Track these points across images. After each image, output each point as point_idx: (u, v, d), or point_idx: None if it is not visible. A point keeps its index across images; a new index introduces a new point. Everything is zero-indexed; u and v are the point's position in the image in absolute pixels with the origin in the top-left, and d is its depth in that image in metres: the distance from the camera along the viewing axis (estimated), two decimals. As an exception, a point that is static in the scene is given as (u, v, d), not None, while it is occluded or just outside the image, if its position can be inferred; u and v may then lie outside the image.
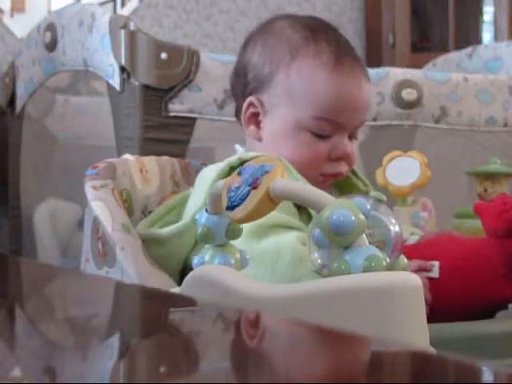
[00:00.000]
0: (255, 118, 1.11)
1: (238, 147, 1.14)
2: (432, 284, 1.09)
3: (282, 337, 0.52)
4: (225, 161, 1.06)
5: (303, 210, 1.02)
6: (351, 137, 1.10)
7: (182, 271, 1.05)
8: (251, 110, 1.11)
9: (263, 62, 1.09)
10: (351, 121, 1.07)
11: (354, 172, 1.17)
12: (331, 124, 1.06)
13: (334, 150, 1.07)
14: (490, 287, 1.10)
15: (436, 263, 1.10)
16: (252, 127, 1.11)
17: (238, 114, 1.15)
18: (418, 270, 1.08)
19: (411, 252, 1.09)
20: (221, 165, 1.05)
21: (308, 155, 1.07)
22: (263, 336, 0.53)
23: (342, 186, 1.17)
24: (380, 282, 0.74)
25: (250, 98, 1.10)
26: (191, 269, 1.01)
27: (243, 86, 1.12)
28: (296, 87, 1.06)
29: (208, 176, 1.05)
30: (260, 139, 1.11)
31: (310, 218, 1.02)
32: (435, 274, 1.10)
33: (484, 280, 1.10)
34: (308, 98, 1.06)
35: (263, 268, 0.90)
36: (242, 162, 1.02)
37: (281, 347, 0.49)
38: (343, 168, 1.09)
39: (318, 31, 1.10)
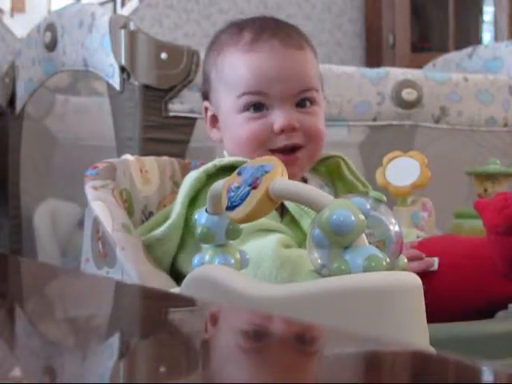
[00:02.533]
0: (214, 120, 1.14)
1: (226, 153, 1.14)
2: (432, 282, 1.09)
3: (283, 337, 0.52)
4: (201, 167, 1.06)
5: (286, 212, 1.02)
6: (301, 105, 1.08)
7: (171, 276, 1.05)
8: (208, 113, 1.15)
9: (204, 68, 1.16)
10: (280, 88, 1.07)
11: (352, 173, 1.17)
12: (260, 96, 1.07)
13: (274, 123, 1.07)
14: (490, 286, 1.10)
15: (435, 259, 1.10)
16: (214, 130, 1.15)
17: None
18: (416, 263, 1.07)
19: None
20: (198, 171, 1.06)
21: (250, 131, 1.07)
22: (263, 336, 0.53)
23: (340, 186, 1.17)
24: (380, 281, 0.74)
25: (204, 103, 1.16)
26: (179, 273, 1.02)
27: (202, 92, 1.18)
28: (223, 76, 1.10)
29: (186, 183, 1.06)
30: (221, 139, 1.14)
31: (293, 220, 1.02)
32: (434, 267, 1.10)
33: (484, 279, 1.10)
34: (232, 81, 1.09)
35: (247, 274, 0.90)
36: (218, 169, 1.03)
37: (281, 347, 0.49)
38: (297, 140, 1.07)
39: (245, 25, 1.13)
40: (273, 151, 1.07)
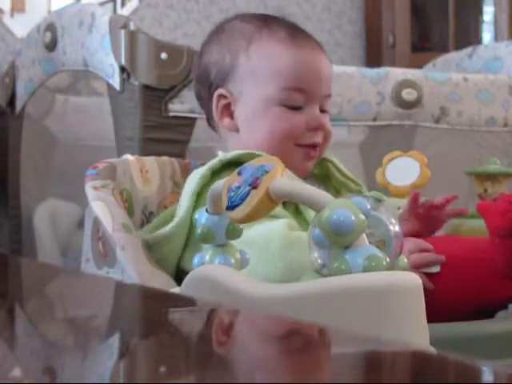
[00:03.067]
0: (228, 110, 1.12)
1: (220, 153, 1.13)
2: (433, 283, 1.09)
3: (282, 337, 0.52)
4: (206, 165, 1.05)
5: (289, 202, 1.02)
6: (322, 110, 1.11)
7: (177, 275, 1.05)
8: (222, 102, 1.12)
9: (223, 56, 1.12)
10: (317, 89, 1.09)
11: (343, 174, 1.17)
12: (300, 93, 1.08)
13: (310, 120, 1.09)
14: (490, 287, 1.10)
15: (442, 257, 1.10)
16: (227, 120, 1.12)
17: (209, 120, 1.16)
18: (419, 266, 1.07)
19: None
20: (203, 168, 1.05)
21: (285, 128, 1.08)
22: (263, 336, 0.53)
23: (331, 188, 1.16)
24: (380, 281, 0.74)
25: (219, 91, 1.12)
26: (185, 272, 1.01)
27: (208, 87, 1.13)
28: (258, 67, 1.09)
29: (192, 180, 1.05)
30: (237, 129, 1.12)
31: (297, 210, 1.03)
32: (436, 268, 1.10)
33: (485, 280, 1.10)
34: (271, 73, 1.08)
35: (252, 257, 0.90)
36: (224, 164, 1.03)
37: (281, 347, 0.49)
38: (319, 139, 1.10)
39: (268, 19, 1.13)
40: (299, 146, 1.09)
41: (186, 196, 1.04)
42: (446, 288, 1.10)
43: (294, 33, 1.11)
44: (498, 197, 1.15)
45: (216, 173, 1.04)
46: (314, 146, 1.10)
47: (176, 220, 1.03)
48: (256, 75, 1.09)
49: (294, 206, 1.03)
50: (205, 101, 1.15)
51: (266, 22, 1.12)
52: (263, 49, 1.09)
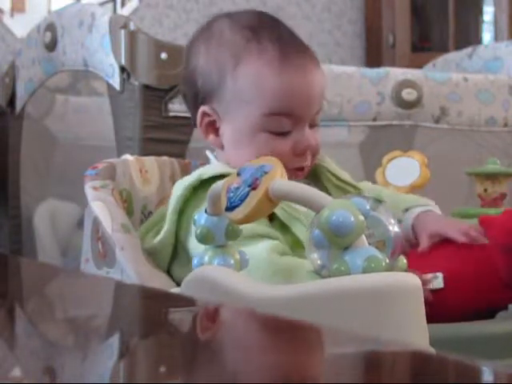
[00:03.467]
0: (213, 127, 1.08)
1: (208, 153, 1.12)
2: (435, 298, 1.08)
3: (282, 337, 0.52)
4: (186, 181, 1.03)
5: (275, 218, 1.00)
6: (312, 125, 1.07)
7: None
8: (206, 119, 1.08)
9: (209, 71, 1.07)
10: (307, 111, 1.05)
11: (341, 180, 1.13)
12: (287, 118, 1.04)
13: (297, 145, 1.05)
14: (493, 297, 1.10)
15: (440, 274, 1.10)
16: (211, 136, 1.09)
17: (195, 123, 1.12)
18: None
19: (413, 262, 1.09)
20: (184, 185, 1.03)
21: (273, 151, 1.01)
22: (263, 336, 0.53)
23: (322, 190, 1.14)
24: (380, 282, 0.74)
25: (203, 108, 1.08)
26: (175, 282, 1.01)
27: (194, 94, 1.09)
28: (245, 90, 1.04)
29: (173, 199, 1.03)
30: (222, 146, 1.08)
31: (282, 226, 1.00)
32: (439, 284, 1.10)
33: (487, 291, 1.10)
34: (258, 97, 1.04)
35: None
36: (201, 182, 1.01)
37: (281, 347, 0.49)
38: (306, 162, 1.07)
39: (258, 29, 1.07)
40: (286, 169, 1.05)
41: (169, 212, 1.03)
42: (448, 302, 1.10)
43: (285, 50, 1.05)
44: (501, 214, 1.16)
45: (197, 188, 1.03)
46: (301, 169, 1.07)
47: (160, 237, 1.03)
48: (242, 99, 1.04)
49: (279, 221, 1.00)
50: (190, 105, 1.12)
51: (257, 33, 1.06)
52: (250, 71, 1.04)
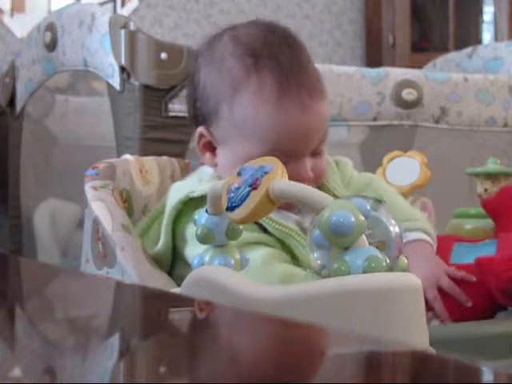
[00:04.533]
0: (210, 146, 1.07)
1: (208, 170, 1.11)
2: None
3: (282, 337, 0.52)
4: (176, 198, 1.03)
5: (269, 235, 0.99)
6: (315, 154, 1.05)
7: None
8: (203, 140, 1.07)
9: (208, 95, 1.05)
10: (304, 148, 1.03)
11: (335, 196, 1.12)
12: (284, 154, 0.99)
13: (294, 177, 0.97)
14: (487, 309, 1.11)
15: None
16: (208, 154, 1.08)
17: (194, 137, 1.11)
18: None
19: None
20: (176, 199, 1.03)
21: None
22: (263, 336, 0.53)
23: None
24: (380, 282, 0.74)
25: (200, 129, 1.07)
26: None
27: (193, 112, 1.08)
28: (241, 123, 1.02)
29: (166, 213, 1.04)
30: (216, 165, 1.07)
31: (277, 241, 0.99)
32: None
33: (481, 303, 1.11)
34: (254, 133, 1.01)
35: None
36: (190, 199, 1.01)
37: (281, 347, 0.49)
38: None
39: (260, 56, 1.03)
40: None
41: (163, 224, 1.03)
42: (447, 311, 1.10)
43: (284, 84, 1.01)
44: (498, 257, 1.15)
45: (187, 204, 1.02)
46: None
47: (158, 247, 1.04)
48: (238, 131, 1.02)
49: (274, 237, 0.99)
50: (191, 119, 1.11)
51: (257, 61, 1.02)
52: (247, 104, 1.01)
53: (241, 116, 1.02)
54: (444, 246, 1.19)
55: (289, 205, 1.01)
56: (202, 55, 1.09)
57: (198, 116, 1.07)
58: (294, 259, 0.98)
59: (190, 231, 1.00)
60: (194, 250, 0.96)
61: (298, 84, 1.02)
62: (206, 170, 1.09)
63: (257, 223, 0.97)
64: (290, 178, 0.99)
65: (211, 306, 0.64)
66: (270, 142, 1.01)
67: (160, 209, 1.09)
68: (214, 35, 1.09)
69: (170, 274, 1.06)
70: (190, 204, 1.01)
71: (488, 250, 1.20)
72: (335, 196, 1.10)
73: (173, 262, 1.06)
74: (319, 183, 1.07)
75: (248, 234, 0.94)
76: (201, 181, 1.06)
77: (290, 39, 1.07)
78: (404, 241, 1.11)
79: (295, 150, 1.02)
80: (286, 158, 0.98)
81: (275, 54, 1.03)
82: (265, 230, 0.99)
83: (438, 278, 1.11)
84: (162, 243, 1.04)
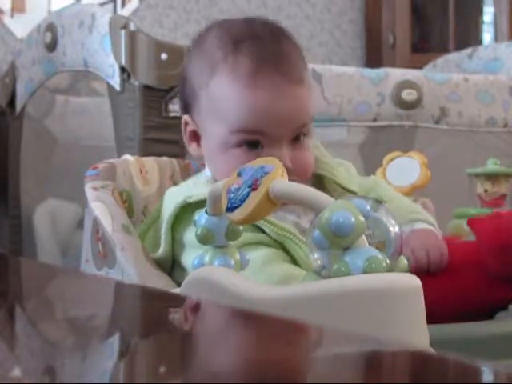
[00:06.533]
0: (195, 135, 1.07)
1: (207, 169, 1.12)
2: (428, 289, 1.09)
3: (282, 337, 0.52)
4: (173, 202, 1.02)
5: (267, 236, 0.99)
6: (295, 143, 1.03)
7: None
8: (188, 128, 1.07)
9: (191, 83, 1.06)
10: (276, 131, 1.00)
11: (341, 186, 1.11)
12: (256, 135, 1.00)
13: None
14: (487, 290, 1.10)
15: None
16: (193, 145, 1.08)
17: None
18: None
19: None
20: (173, 204, 1.02)
21: None
22: (263, 336, 0.53)
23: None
24: (380, 283, 0.74)
25: (185, 117, 1.08)
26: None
27: (182, 100, 1.09)
28: (216, 106, 1.02)
29: (164, 219, 1.04)
30: (202, 158, 1.08)
31: (275, 243, 1.00)
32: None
33: (481, 283, 1.10)
34: (226, 113, 1.01)
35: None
36: (188, 204, 1.01)
37: (281, 348, 0.49)
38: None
39: (242, 43, 1.03)
40: None
41: (162, 232, 1.03)
42: (444, 294, 1.10)
43: (259, 66, 1.00)
44: (489, 216, 1.15)
45: (185, 209, 1.02)
46: None
47: (158, 254, 1.03)
48: (214, 114, 1.03)
49: (271, 239, 0.99)
50: (180, 101, 1.11)
51: (238, 47, 1.02)
52: (222, 86, 1.02)
53: (215, 97, 1.02)
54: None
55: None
56: (191, 47, 1.09)
57: (184, 104, 1.08)
58: (292, 260, 0.98)
59: (188, 236, 1.00)
60: (191, 256, 0.95)
61: (273, 67, 1.01)
62: (201, 176, 1.10)
63: (254, 224, 0.97)
64: None
65: (211, 306, 0.64)
66: (239, 121, 1.00)
67: (155, 215, 1.09)
68: (204, 28, 1.10)
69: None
70: (187, 209, 1.01)
71: None
72: (343, 188, 1.10)
73: (171, 268, 1.06)
74: (304, 178, 1.03)
75: (247, 234, 0.95)
76: (196, 185, 1.06)
77: (276, 30, 1.07)
78: (410, 229, 1.12)
79: (266, 132, 1.00)
80: (261, 141, 1.00)
81: (256, 41, 1.03)
82: (262, 231, 0.99)
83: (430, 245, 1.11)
84: (162, 250, 1.03)
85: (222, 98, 1.02)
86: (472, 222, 1.14)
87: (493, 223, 1.10)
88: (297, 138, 1.03)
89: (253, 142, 1.00)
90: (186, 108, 1.08)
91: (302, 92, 1.03)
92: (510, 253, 1.08)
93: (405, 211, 1.14)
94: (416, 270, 1.07)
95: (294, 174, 0.99)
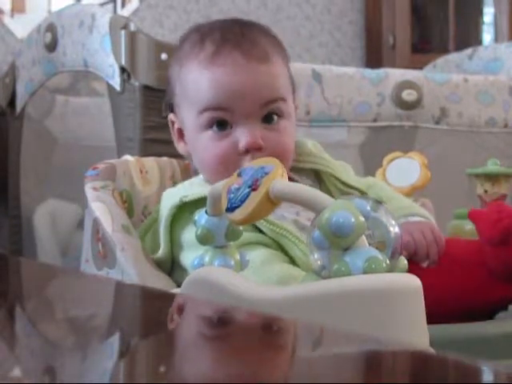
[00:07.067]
0: (181, 134, 1.10)
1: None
2: (424, 279, 1.08)
3: (283, 337, 0.52)
4: (170, 203, 1.03)
5: (264, 235, 1.00)
6: (267, 123, 1.02)
7: None
8: (175, 126, 1.10)
9: (168, 79, 1.10)
10: (243, 106, 1.00)
11: (341, 181, 1.11)
12: (222, 112, 1.01)
13: (239, 142, 1.01)
14: (487, 289, 1.10)
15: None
16: (181, 143, 1.10)
17: None
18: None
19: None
20: (169, 205, 1.03)
21: (214, 152, 1.01)
22: (263, 336, 0.53)
23: (325, 189, 1.12)
24: (380, 283, 0.74)
25: (170, 116, 1.11)
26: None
27: (166, 102, 1.13)
28: (187, 92, 1.05)
29: (161, 221, 1.04)
30: (189, 154, 1.09)
31: (272, 242, 1.00)
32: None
33: (481, 283, 1.10)
34: (194, 97, 1.03)
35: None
36: (184, 203, 1.01)
37: (281, 348, 0.49)
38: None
39: (211, 32, 1.05)
40: None
41: (161, 233, 1.04)
42: (443, 292, 1.10)
43: (220, 48, 1.02)
44: (489, 204, 1.15)
45: (182, 209, 1.02)
46: None
47: (158, 255, 1.04)
48: (186, 102, 1.05)
49: (269, 238, 0.99)
50: (166, 106, 1.15)
51: (202, 36, 1.05)
52: (189, 74, 1.04)
53: (184, 85, 1.05)
54: None
55: None
56: (175, 50, 1.12)
57: (169, 106, 1.11)
58: (290, 260, 0.98)
59: (186, 236, 1.00)
60: (190, 255, 0.96)
61: (234, 45, 1.03)
62: (197, 177, 1.10)
63: (252, 224, 0.97)
64: (235, 145, 1.01)
65: (211, 306, 0.64)
66: (203, 100, 1.02)
67: (154, 216, 1.09)
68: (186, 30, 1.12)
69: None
70: (184, 209, 1.01)
71: None
72: (342, 182, 1.10)
73: (171, 269, 1.06)
74: (281, 160, 0.94)
75: (247, 234, 0.95)
76: (192, 185, 1.07)
77: (248, 23, 1.08)
78: (406, 220, 1.12)
79: (232, 109, 1.01)
80: (231, 121, 1.01)
81: (222, 30, 1.05)
82: (260, 231, 0.99)
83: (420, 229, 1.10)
84: (161, 252, 1.03)
85: (189, 83, 1.05)
86: (472, 213, 1.14)
87: (493, 213, 1.10)
88: (269, 118, 1.03)
89: (221, 121, 1.02)
90: (171, 108, 1.11)
91: (266, 68, 1.03)
92: (510, 241, 1.08)
93: (403, 210, 1.14)
94: (416, 252, 1.07)
95: (267, 153, 0.99)
